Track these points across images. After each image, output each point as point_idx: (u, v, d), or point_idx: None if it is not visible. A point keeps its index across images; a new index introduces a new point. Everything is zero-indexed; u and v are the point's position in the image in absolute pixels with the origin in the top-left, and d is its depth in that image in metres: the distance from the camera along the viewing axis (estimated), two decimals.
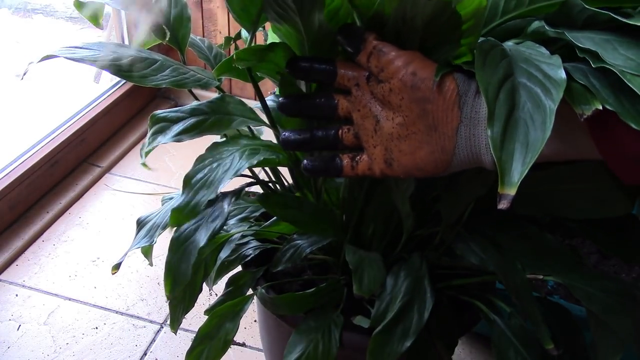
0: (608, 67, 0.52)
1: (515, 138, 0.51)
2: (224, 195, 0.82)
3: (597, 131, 0.55)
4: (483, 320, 0.87)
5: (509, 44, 0.59)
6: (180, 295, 0.88)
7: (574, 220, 0.83)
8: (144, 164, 0.72)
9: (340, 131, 0.70)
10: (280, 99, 0.71)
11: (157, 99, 2.36)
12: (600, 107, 0.50)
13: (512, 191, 0.49)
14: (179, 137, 0.72)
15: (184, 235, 0.77)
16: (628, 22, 0.55)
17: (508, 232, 0.79)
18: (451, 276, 0.90)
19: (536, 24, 0.64)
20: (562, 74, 0.52)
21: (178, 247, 0.76)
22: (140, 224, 0.88)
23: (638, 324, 0.73)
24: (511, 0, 0.65)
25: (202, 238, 0.76)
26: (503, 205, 0.49)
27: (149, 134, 0.74)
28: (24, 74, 0.67)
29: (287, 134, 0.72)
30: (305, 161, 0.72)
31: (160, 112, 0.76)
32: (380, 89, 0.64)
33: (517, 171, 0.50)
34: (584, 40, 0.56)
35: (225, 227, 0.95)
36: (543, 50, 0.57)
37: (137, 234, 0.87)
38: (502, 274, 0.74)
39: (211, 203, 0.81)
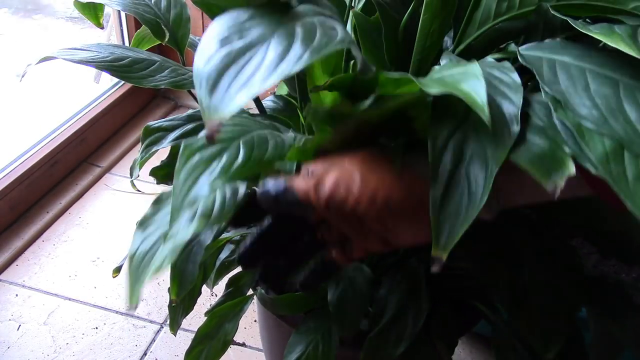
0: (567, 122, 0.49)
1: (455, 200, 0.49)
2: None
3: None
4: (483, 320, 0.87)
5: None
6: (180, 298, 0.87)
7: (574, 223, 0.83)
8: (132, 183, 0.71)
9: (318, 233, 0.63)
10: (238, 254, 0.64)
11: (157, 99, 2.35)
12: (574, 172, 0.46)
13: (444, 255, 0.47)
14: (178, 141, 0.71)
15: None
16: (593, 35, 0.52)
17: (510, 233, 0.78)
18: (451, 277, 0.90)
19: (512, 47, 0.61)
20: (517, 79, 0.51)
21: (183, 248, 0.75)
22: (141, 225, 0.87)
23: (637, 327, 0.73)
24: (503, 3, 0.65)
25: (207, 237, 0.74)
26: (435, 268, 0.47)
27: (142, 146, 0.74)
28: (23, 76, 0.67)
29: (262, 273, 0.65)
30: (300, 281, 0.66)
31: (154, 123, 0.76)
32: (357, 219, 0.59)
33: (452, 237, 0.48)
34: (559, 69, 0.53)
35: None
36: (489, 60, 0.56)
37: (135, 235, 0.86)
38: (494, 279, 0.74)
39: None
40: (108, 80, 2.29)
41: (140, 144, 0.74)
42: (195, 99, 0.90)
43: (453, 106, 0.51)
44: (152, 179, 0.85)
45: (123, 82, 2.14)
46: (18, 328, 1.43)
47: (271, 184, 0.56)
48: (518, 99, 0.51)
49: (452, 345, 0.83)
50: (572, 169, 0.46)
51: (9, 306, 1.49)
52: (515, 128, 0.49)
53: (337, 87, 0.57)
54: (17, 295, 1.52)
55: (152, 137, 0.73)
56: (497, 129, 0.49)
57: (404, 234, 0.59)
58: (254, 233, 0.62)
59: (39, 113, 2.29)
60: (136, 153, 1.94)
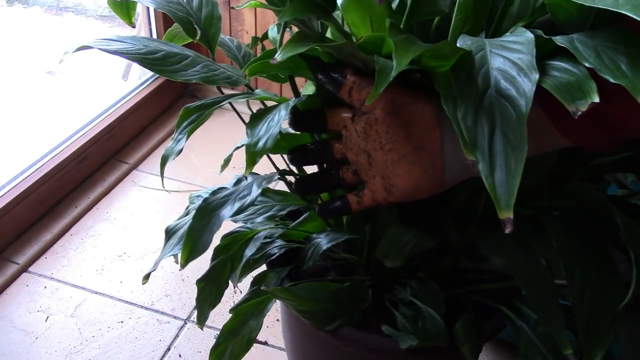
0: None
1: (501, 160, 0.50)
2: (255, 177, 0.82)
3: (559, 122, 0.59)
4: (508, 326, 0.85)
5: (490, 41, 0.57)
6: (207, 291, 0.87)
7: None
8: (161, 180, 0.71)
9: (340, 171, 0.74)
10: (287, 155, 0.78)
11: (184, 98, 2.35)
12: (598, 100, 0.49)
13: (509, 214, 0.49)
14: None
15: (212, 207, 0.77)
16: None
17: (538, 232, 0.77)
18: (476, 280, 0.88)
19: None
20: (535, 72, 0.51)
21: (204, 216, 0.76)
22: (170, 232, 0.88)
23: None
24: None
25: (227, 212, 0.76)
26: (508, 229, 0.49)
27: (179, 129, 0.74)
28: (60, 62, 0.67)
29: (299, 180, 0.78)
30: (317, 208, 0.77)
31: (193, 104, 0.76)
32: (365, 122, 0.67)
33: (511, 193, 0.49)
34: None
35: (251, 225, 0.95)
36: (528, 35, 0.55)
37: (167, 242, 0.87)
38: (523, 278, 0.73)
39: (240, 181, 0.83)
40: (136, 77, 2.30)
41: (175, 129, 0.74)
42: (222, 94, 0.89)
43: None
44: (177, 176, 0.84)
45: (151, 80, 2.17)
46: (46, 319, 1.44)
47: (332, 73, 0.67)
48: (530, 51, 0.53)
49: (477, 351, 0.82)
50: (596, 98, 0.49)
51: (38, 298, 1.50)
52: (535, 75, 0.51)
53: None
54: (45, 287, 1.53)
55: (193, 117, 0.74)
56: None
57: (403, 181, 0.66)
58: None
59: (69, 109, 2.30)
60: (163, 151, 1.95)
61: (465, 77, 0.54)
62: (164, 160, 0.75)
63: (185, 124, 0.75)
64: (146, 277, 0.88)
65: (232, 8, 2.04)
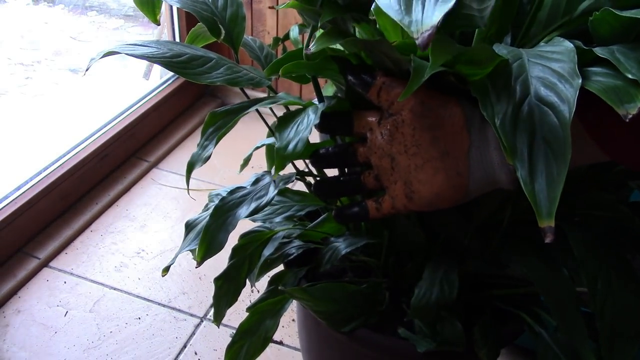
0: None
1: (542, 167, 0.49)
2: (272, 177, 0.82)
3: (597, 134, 0.56)
4: (527, 332, 0.84)
5: (527, 51, 0.57)
6: (225, 289, 0.87)
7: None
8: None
9: (362, 176, 0.74)
10: (309, 158, 0.77)
11: (204, 97, 2.36)
12: None
13: (550, 222, 0.48)
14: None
15: (228, 206, 0.77)
16: None
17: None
18: (495, 285, 0.88)
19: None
20: (578, 77, 0.50)
21: (220, 215, 0.76)
22: (189, 226, 0.88)
23: None
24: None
25: (243, 212, 0.76)
26: (548, 238, 0.48)
27: (205, 135, 0.74)
28: (87, 70, 0.67)
29: (319, 183, 0.77)
30: (334, 212, 0.76)
31: (219, 109, 0.76)
32: (392, 124, 0.66)
33: (552, 201, 0.48)
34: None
35: (270, 225, 0.95)
36: (566, 44, 0.54)
37: (186, 236, 0.87)
38: (545, 288, 0.72)
39: (258, 181, 0.82)
40: (157, 77, 2.30)
41: (200, 135, 0.74)
42: (246, 96, 0.89)
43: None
44: (196, 174, 0.85)
45: (172, 79, 2.18)
46: (65, 314, 1.44)
47: (362, 74, 0.67)
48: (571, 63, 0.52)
49: (494, 356, 0.81)
50: None
51: (58, 292, 1.50)
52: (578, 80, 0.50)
53: None
54: (65, 282, 1.53)
55: (220, 123, 0.74)
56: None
57: (425, 187, 0.65)
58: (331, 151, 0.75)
59: (92, 108, 2.32)
60: (183, 149, 1.96)
61: (503, 84, 0.53)
62: (190, 167, 0.75)
63: (211, 130, 0.75)
64: (166, 270, 0.88)
65: (272, 7, 2.05)
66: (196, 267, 0.80)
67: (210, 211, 0.80)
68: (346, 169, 0.80)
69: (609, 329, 0.66)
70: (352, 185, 0.75)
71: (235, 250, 0.88)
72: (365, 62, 0.70)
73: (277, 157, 0.66)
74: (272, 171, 0.69)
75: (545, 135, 0.49)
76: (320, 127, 0.73)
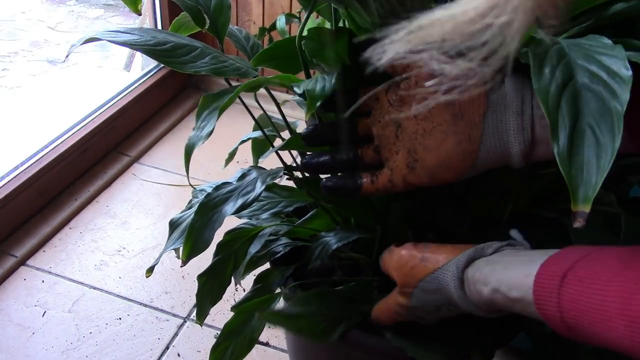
0: None
1: (583, 150, 0.48)
2: (260, 172, 0.81)
3: (629, 124, 0.54)
4: (523, 332, 0.84)
5: (566, 40, 0.57)
6: (209, 287, 0.87)
7: None
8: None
9: (359, 150, 0.73)
10: (302, 132, 0.75)
11: (187, 89, 2.35)
12: None
13: (586, 208, 0.47)
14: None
15: (214, 203, 0.77)
16: None
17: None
18: None
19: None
20: (627, 70, 0.49)
21: (205, 212, 0.76)
22: (174, 224, 0.88)
23: None
24: None
25: (230, 209, 0.76)
26: (579, 223, 0.47)
27: (201, 118, 0.73)
28: (67, 56, 0.66)
29: (308, 158, 0.76)
30: (324, 180, 0.75)
31: (213, 92, 0.75)
32: (404, 87, 0.65)
33: (590, 186, 0.47)
34: None
35: (256, 222, 0.94)
36: (605, 40, 0.54)
37: (170, 235, 0.86)
38: None
39: (244, 176, 0.81)
40: (139, 69, 2.29)
41: (195, 118, 0.72)
42: (231, 87, 0.88)
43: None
44: (179, 169, 0.84)
45: (154, 71, 2.17)
46: (43, 314, 1.43)
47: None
48: (620, 51, 0.52)
49: (488, 357, 0.81)
50: None
51: (35, 292, 1.49)
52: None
53: None
54: (43, 281, 1.52)
55: (215, 104, 0.72)
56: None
57: (431, 155, 0.64)
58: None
59: (71, 100, 2.30)
60: (166, 144, 1.95)
61: (544, 60, 0.53)
62: (188, 150, 0.73)
63: (205, 113, 0.74)
64: (150, 270, 0.87)
65: None
66: (181, 267, 0.80)
67: (194, 208, 0.79)
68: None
69: None
70: (348, 158, 0.73)
71: (220, 246, 0.87)
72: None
73: (309, 97, 0.66)
74: (304, 112, 0.68)
75: (590, 122, 0.49)
76: (322, 107, 0.72)
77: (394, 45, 0.64)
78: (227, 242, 0.88)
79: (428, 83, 0.59)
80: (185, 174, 0.72)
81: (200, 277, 0.85)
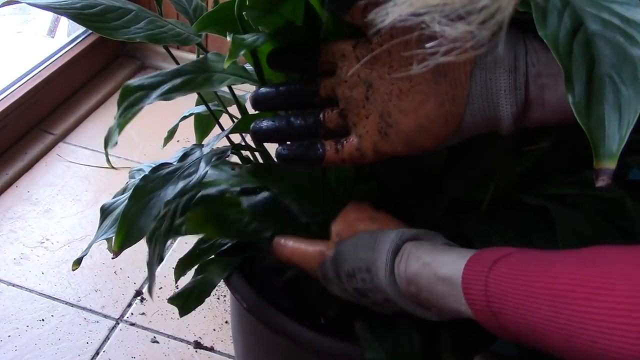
0: None
1: (603, 100, 0.48)
2: (204, 152, 0.80)
3: None
4: None
5: None
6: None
7: None
8: (107, 155, 0.69)
9: (322, 114, 0.70)
10: (251, 93, 0.72)
11: (121, 58, 2.33)
12: None
13: (611, 164, 0.47)
14: (167, 95, 0.71)
15: (151, 186, 0.75)
16: None
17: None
18: None
19: None
20: None
21: (141, 197, 0.74)
22: (106, 211, 0.86)
23: None
24: None
25: (169, 193, 0.74)
26: (603, 182, 0.47)
27: (120, 109, 0.72)
28: None
29: (258, 123, 0.73)
30: (279, 147, 0.73)
31: (134, 81, 0.74)
32: (377, 42, 0.64)
33: (614, 139, 0.47)
34: None
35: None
36: None
37: (101, 223, 0.84)
38: None
39: (186, 156, 0.80)
40: (64, 35, 2.25)
41: (117, 107, 0.71)
42: (171, 55, 0.87)
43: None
44: (111, 150, 0.82)
45: (82, 37, 2.17)
46: None
47: None
48: None
49: None
50: None
51: None
52: None
53: None
54: None
55: (133, 98, 0.71)
56: None
57: (407, 119, 0.64)
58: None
59: None
60: (96, 120, 1.93)
61: (545, 10, 0.53)
62: (108, 141, 0.72)
63: (125, 104, 0.72)
64: (77, 263, 0.86)
65: None
66: (113, 258, 0.78)
67: (129, 192, 0.77)
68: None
69: None
70: (307, 123, 0.71)
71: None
72: None
73: (232, 44, 0.64)
74: (225, 60, 0.66)
75: (609, 71, 0.49)
76: (274, 63, 0.70)
77: (397, 8, 0.63)
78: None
79: (429, 44, 0.58)
80: (120, 155, 0.71)
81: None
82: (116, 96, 0.73)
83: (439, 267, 0.63)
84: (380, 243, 0.70)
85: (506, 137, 0.63)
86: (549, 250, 0.57)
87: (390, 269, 0.68)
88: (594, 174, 0.47)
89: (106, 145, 0.75)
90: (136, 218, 0.72)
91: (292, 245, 0.80)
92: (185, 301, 0.90)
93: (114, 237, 0.72)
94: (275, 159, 0.73)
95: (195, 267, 0.93)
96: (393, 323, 0.82)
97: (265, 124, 0.72)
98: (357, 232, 0.73)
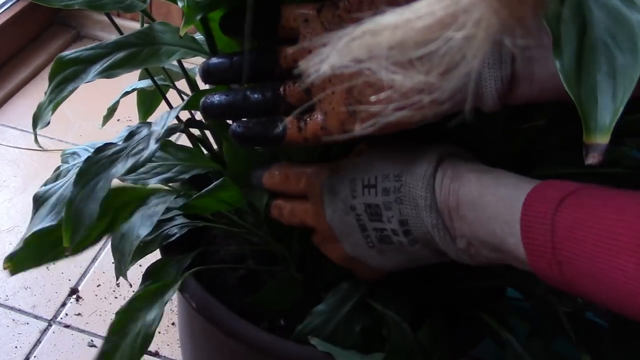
0: None
1: (595, 67, 0.49)
2: (152, 129, 0.79)
3: None
4: (489, 339, 0.85)
5: None
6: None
7: None
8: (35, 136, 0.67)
9: (282, 87, 0.70)
10: (201, 64, 0.72)
11: (53, 27, 2.32)
12: None
13: (602, 139, 0.47)
14: (108, 72, 0.70)
15: (97, 168, 0.74)
16: None
17: None
18: (446, 277, 0.88)
19: None
20: None
21: (87, 181, 0.73)
22: (40, 199, 0.84)
23: None
24: None
25: (119, 170, 0.73)
26: (593, 159, 0.47)
27: (51, 85, 0.71)
28: None
29: (210, 97, 0.72)
30: (234, 125, 0.72)
31: (69, 53, 0.72)
32: (346, 5, 0.64)
33: (608, 111, 0.48)
34: None
35: None
36: None
37: (35, 213, 0.83)
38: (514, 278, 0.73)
39: (132, 135, 0.79)
40: None
41: (49, 82, 0.70)
42: (114, 23, 0.86)
43: None
44: (44, 130, 0.81)
45: (9, 4, 2.16)
46: None
47: None
48: None
49: None
50: None
51: None
52: None
53: None
54: None
55: (67, 72, 0.70)
56: None
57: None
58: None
59: None
60: (26, 96, 1.90)
61: None
62: (36, 120, 0.71)
63: (59, 79, 0.72)
64: (9, 260, 0.85)
65: None
66: (67, 256, 0.78)
67: (70, 178, 0.77)
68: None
69: None
70: (265, 99, 0.71)
71: None
72: None
73: (188, 9, 0.63)
74: (181, 26, 0.66)
75: (603, 37, 0.49)
76: (226, 26, 0.69)
77: (334, 54, 0.62)
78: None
79: (373, 98, 0.58)
80: (52, 137, 0.70)
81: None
82: (49, 69, 0.72)
83: (502, 189, 0.61)
84: (421, 151, 0.67)
85: (497, 114, 0.62)
86: (616, 190, 0.54)
87: (431, 177, 0.66)
88: (584, 150, 0.48)
89: (35, 125, 0.74)
90: (83, 205, 0.72)
91: (282, 166, 0.78)
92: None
93: (62, 231, 0.72)
94: (231, 139, 0.73)
95: (140, 264, 0.93)
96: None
97: (217, 98, 0.72)
98: (392, 147, 0.71)
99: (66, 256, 0.82)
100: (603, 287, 0.51)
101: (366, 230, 0.71)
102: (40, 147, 0.89)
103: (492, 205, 0.60)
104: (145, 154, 0.74)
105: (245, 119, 0.72)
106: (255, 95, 0.71)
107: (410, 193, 0.66)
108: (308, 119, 0.69)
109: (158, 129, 0.77)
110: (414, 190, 0.66)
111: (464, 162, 0.66)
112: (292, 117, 0.69)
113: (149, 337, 0.87)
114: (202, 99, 0.72)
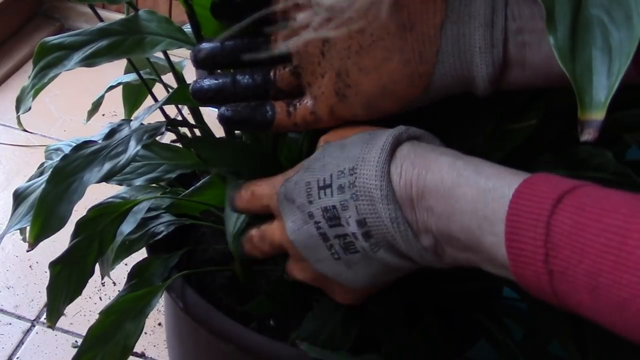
0: None
1: (590, 43, 0.49)
2: (135, 128, 0.79)
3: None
4: (484, 341, 0.85)
5: None
6: (65, 278, 0.84)
7: None
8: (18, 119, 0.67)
9: (272, 71, 0.70)
10: (192, 51, 0.72)
11: (37, 18, 2.33)
12: None
13: (598, 115, 0.47)
14: (90, 60, 0.70)
15: (72, 167, 0.74)
16: None
17: None
18: (440, 277, 0.88)
19: None
20: None
21: (61, 180, 0.73)
22: (20, 196, 0.85)
23: None
24: None
25: (93, 177, 0.73)
26: (589, 135, 0.47)
27: (35, 70, 0.71)
28: None
29: (199, 82, 0.72)
30: (222, 109, 0.72)
31: (53, 38, 0.72)
32: None
33: (603, 87, 0.47)
34: None
35: (127, 194, 0.94)
36: None
37: (15, 210, 0.83)
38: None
39: (113, 133, 0.79)
40: None
41: (32, 67, 0.70)
42: (97, 14, 0.85)
43: None
44: (27, 125, 0.81)
45: None
46: None
47: None
48: None
49: None
50: None
51: None
52: None
53: None
54: None
55: (50, 58, 0.70)
56: None
57: (368, 78, 0.63)
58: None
59: None
60: (8, 90, 1.90)
61: None
62: (19, 106, 0.71)
63: (42, 64, 0.72)
64: None
65: None
66: (28, 251, 0.78)
67: (47, 174, 0.76)
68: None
69: None
70: (255, 83, 0.71)
71: (80, 225, 0.85)
72: None
73: None
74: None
75: (598, 13, 0.50)
76: (216, 11, 0.69)
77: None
78: (90, 220, 0.86)
79: (299, 16, 0.59)
80: (36, 132, 0.70)
81: (54, 266, 0.82)
82: (31, 63, 0.72)
83: (480, 178, 0.55)
84: (376, 137, 0.63)
85: (488, 114, 0.62)
86: (621, 192, 0.49)
87: (385, 163, 0.60)
88: (578, 127, 0.47)
89: (18, 109, 0.73)
90: (55, 204, 0.72)
91: (247, 184, 0.75)
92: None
93: (29, 227, 0.72)
94: (219, 123, 0.73)
95: (125, 262, 0.93)
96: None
97: (207, 82, 0.72)
98: (348, 137, 0.66)
99: (27, 251, 0.82)
100: (604, 306, 0.46)
101: (328, 240, 0.65)
102: (24, 129, 0.88)
103: (469, 197, 0.55)
104: (125, 157, 0.74)
105: (234, 103, 0.72)
106: (245, 80, 0.71)
107: (365, 185, 0.60)
108: (297, 104, 0.69)
109: (137, 124, 0.77)
110: (368, 180, 0.60)
111: (431, 146, 0.62)
112: (282, 102, 0.70)
113: (127, 349, 0.87)
114: (192, 84, 0.72)
